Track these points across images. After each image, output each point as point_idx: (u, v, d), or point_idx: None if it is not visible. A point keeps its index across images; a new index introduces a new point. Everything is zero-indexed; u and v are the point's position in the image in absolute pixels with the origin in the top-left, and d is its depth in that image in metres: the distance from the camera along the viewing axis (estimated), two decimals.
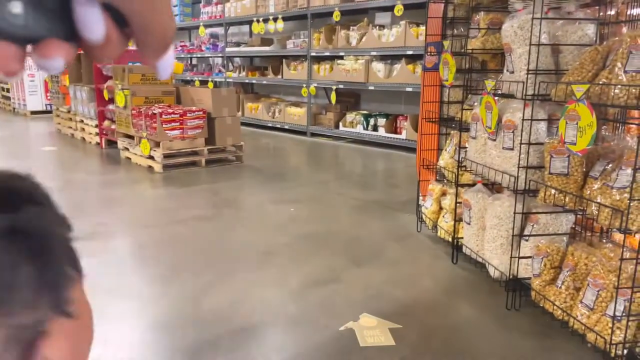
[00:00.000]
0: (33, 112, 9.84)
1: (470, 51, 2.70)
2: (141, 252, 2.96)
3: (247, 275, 2.59)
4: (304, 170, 5.63)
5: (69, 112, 7.18)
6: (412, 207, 3.58)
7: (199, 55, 9.96)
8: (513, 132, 2.22)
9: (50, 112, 9.30)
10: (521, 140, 2.15)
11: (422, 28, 5.97)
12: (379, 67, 6.50)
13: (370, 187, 4.67)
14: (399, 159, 5.99)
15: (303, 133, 7.64)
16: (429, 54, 3.17)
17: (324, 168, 5.84)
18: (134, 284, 2.51)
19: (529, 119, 2.14)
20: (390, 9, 6.40)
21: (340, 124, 7.22)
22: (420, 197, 3.34)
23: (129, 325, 2.11)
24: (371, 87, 6.59)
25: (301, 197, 4.14)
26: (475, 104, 2.63)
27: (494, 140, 2.37)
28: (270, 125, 8.15)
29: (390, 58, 6.52)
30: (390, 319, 2.14)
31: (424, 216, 3.17)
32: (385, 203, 4.02)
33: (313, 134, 7.55)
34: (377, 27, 6.58)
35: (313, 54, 7.35)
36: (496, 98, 2.34)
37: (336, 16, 6.82)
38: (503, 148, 2.29)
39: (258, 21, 8.05)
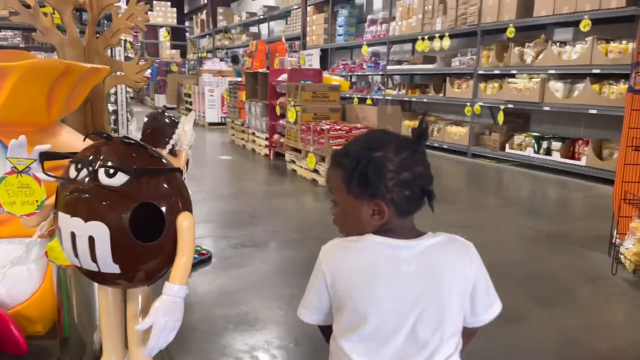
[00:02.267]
0: (210, 124, 10.91)
1: None
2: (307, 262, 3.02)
3: None
4: (467, 193, 5.36)
5: (242, 125, 7.81)
6: (603, 245, 3.16)
7: (359, 74, 10.18)
8: None
9: (224, 124, 10.24)
10: None
11: (613, 45, 5.34)
12: (557, 86, 5.97)
13: (546, 217, 4.25)
14: (577, 187, 5.40)
15: (463, 153, 7.33)
16: (637, 74, 2.78)
17: (489, 192, 5.50)
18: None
19: None
20: (574, 24, 5.86)
21: (507, 145, 6.77)
22: (616, 235, 2.92)
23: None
24: (546, 108, 6.07)
25: (467, 222, 3.92)
26: None
27: None
28: (427, 144, 7.95)
29: (570, 77, 5.95)
30: None
31: (622, 257, 2.76)
32: (567, 237, 3.61)
33: (474, 155, 7.20)
34: (557, 44, 6.06)
35: (480, 71, 7.03)
36: None
37: (510, 32, 6.44)
38: None
39: (423, 39, 7.96)
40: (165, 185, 1.41)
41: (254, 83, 7.38)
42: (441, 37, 7.60)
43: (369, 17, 9.88)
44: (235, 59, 13.35)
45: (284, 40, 8.17)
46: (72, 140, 2.17)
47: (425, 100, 8.40)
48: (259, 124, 7.08)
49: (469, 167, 6.72)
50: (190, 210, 1.45)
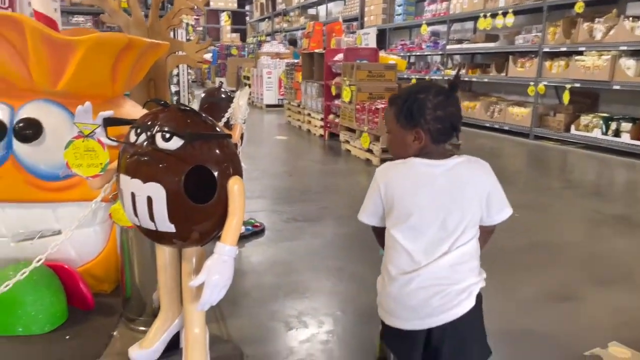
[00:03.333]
0: (268, 105, 11.08)
1: None
2: (357, 237, 3.04)
3: None
4: (528, 175, 5.18)
5: (298, 106, 7.89)
6: None
7: (417, 54, 9.97)
8: None
9: (281, 105, 10.36)
10: None
11: None
12: (628, 63, 5.61)
13: (611, 200, 4.05)
14: None
15: (525, 135, 7.06)
16: None
17: (552, 174, 5.29)
18: (354, 269, 2.58)
19: None
20: None
21: (572, 126, 6.46)
22: None
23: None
24: (616, 87, 5.72)
25: (528, 203, 3.80)
26: None
27: None
28: (487, 125, 7.72)
29: None
30: None
31: None
32: (631, 219, 3.43)
33: (537, 137, 6.91)
34: (630, 19, 5.67)
35: (546, 49, 6.71)
36: None
37: (579, 7, 6.09)
38: None
39: (485, 16, 7.68)
40: (217, 151, 1.47)
41: (310, 64, 7.42)
42: (504, 14, 7.30)
43: None
44: (293, 42, 13.41)
45: (341, 20, 8.13)
46: (134, 111, 2.29)
47: (486, 80, 8.13)
48: (314, 104, 7.12)
49: (530, 149, 6.47)
50: (241, 175, 1.51)
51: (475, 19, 8.26)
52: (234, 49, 16.05)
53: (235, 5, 20.31)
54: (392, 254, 1.33)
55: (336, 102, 6.37)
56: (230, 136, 1.53)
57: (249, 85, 12.24)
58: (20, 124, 1.87)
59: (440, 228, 1.27)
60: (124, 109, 2.17)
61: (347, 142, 5.81)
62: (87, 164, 1.52)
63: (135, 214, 1.46)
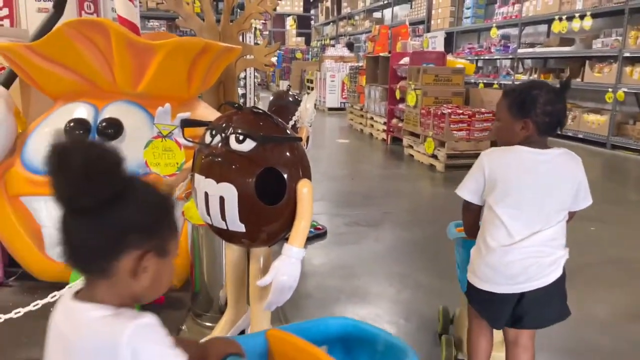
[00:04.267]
0: (330, 109, 11.14)
1: None
2: (420, 244, 2.99)
3: None
4: (604, 186, 4.89)
5: (361, 109, 7.87)
6: None
7: (486, 57, 9.69)
8: None
9: (343, 109, 10.39)
10: None
11: None
12: None
13: None
14: None
15: (601, 144, 6.67)
16: None
17: (629, 185, 4.98)
18: (414, 276, 2.54)
19: None
20: None
21: None
22: None
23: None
24: None
25: (603, 216, 3.58)
26: None
27: None
28: (559, 132, 7.35)
29: None
30: None
31: None
32: None
33: (614, 146, 6.52)
34: None
35: (626, 54, 6.32)
36: None
37: None
38: None
39: (560, 19, 7.34)
40: (288, 153, 1.49)
41: (374, 67, 7.38)
42: (582, 17, 6.95)
43: None
44: (350, 45, 13.42)
45: (407, 23, 8.04)
46: (208, 113, 2.36)
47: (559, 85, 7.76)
48: (377, 108, 7.08)
49: (607, 159, 6.11)
50: (310, 178, 1.52)
51: (549, 21, 7.91)
52: (298, 53, 16.29)
53: (301, 9, 20.60)
54: (490, 228, 1.48)
55: (400, 106, 6.30)
56: (300, 139, 1.55)
57: (312, 89, 12.36)
58: (103, 123, 1.99)
59: (539, 209, 1.44)
60: (198, 111, 2.25)
61: (411, 146, 5.73)
62: (165, 163, 1.59)
63: (208, 213, 1.50)
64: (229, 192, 1.43)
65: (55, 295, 1.59)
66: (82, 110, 2.02)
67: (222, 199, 1.45)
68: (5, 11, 2.72)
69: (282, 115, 2.63)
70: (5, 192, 2.05)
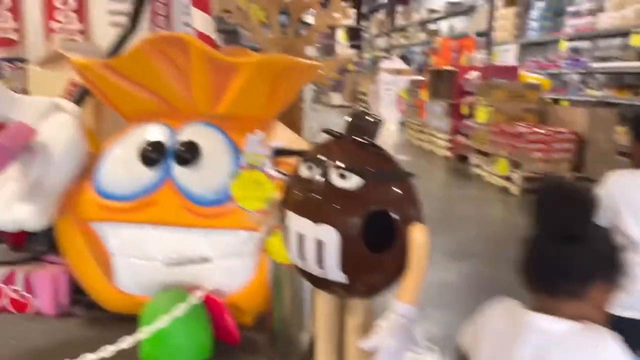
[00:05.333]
0: None
1: None
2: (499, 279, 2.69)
3: None
4: None
5: (420, 124, 7.58)
6: None
7: (553, 72, 9.19)
8: None
9: (399, 123, 10.11)
10: None
11: None
12: None
13: None
14: None
15: None
16: None
17: None
18: None
19: None
20: None
21: None
22: None
23: None
24: None
25: None
26: None
27: None
28: None
29: None
30: None
31: None
32: None
33: None
34: None
35: None
36: None
37: None
38: None
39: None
40: (400, 192, 1.28)
41: (437, 81, 7.09)
42: None
43: (570, 8, 8.84)
44: (404, 59, 13.13)
45: (473, 36, 7.72)
46: (284, 134, 2.19)
47: (638, 103, 7.22)
48: (439, 123, 6.77)
49: None
50: (423, 222, 1.30)
51: (625, 34, 7.38)
52: (350, 65, 16.14)
53: (353, 21, 20.50)
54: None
55: (466, 122, 5.98)
56: (413, 175, 1.33)
57: (365, 102, 12.16)
58: (180, 147, 1.84)
59: None
60: (275, 132, 2.08)
61: (479, 166, 5.40)
62: (253, 197, 1.41)
63: (300, 256, 1.31)
64: (329, 236, 1.23)
65: (125, 340, 1.44)
66: (157, 133, 1.89)
67: (320, 243, 1.25)
68: (79, 25, 2.65)
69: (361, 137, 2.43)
70: (76, 216, 1.93)
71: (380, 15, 20.78)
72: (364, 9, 24.48)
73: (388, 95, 10.90)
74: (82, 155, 1.96)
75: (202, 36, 2.06)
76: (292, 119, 3.42)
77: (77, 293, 2.11)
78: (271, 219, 1.48)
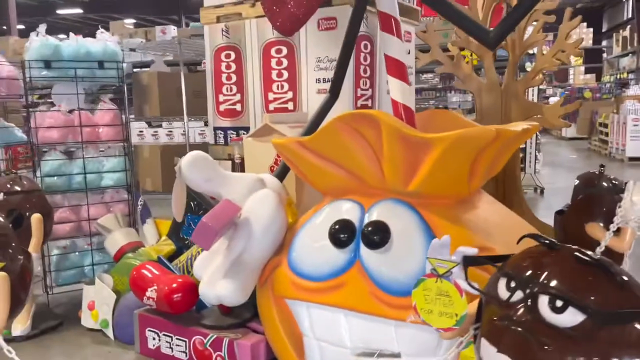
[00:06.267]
0: (631, 159, 9.22)
1: None
2: None
3: None
4: None
5: None
6: None
7: None
8: None
9: None
10: None
11: None
12: None
13: None
14: None
15: None
16: None
17: None
18: None
19: None
20: None
21: None
22: None
23: None
24: None
25: None
26: None
27: None
28: None
29: None
30: None
31: None
32: None
33: None
34: None
35: None
36: None
37: None
38: None
39: None
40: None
41: None
42: None
43: None
44: None
45: None
46: (492, 210, 1.89)
47: None
48: None
49: None
50: None
51: None
52: (587, 92, 14.30)
53: (590, 42, 18.23)
54: None
55: None
56: None
57: (606, 134, 10.48)
58: (369, 228, 1.71)
59: None
60: (479, 211, 1.80)
61: None
62: (439, 312, 1.17)
63: None
64: None
65: None
66: (347, 210, 1.80)
67: None
68: (290, 94, 2.80)
69: (593, 207, 1.99)
70: (272, 291, 1.95)
71: (626, 31, 18.04)
72: (604, 26, 21.70)
73: (636, 126, 9.25)
74: (282, 230, 1.99)
75: (398, 105, 1.92)
76: (507, 185, 3.05)
77: None
78: (463, 334, 1.23)
